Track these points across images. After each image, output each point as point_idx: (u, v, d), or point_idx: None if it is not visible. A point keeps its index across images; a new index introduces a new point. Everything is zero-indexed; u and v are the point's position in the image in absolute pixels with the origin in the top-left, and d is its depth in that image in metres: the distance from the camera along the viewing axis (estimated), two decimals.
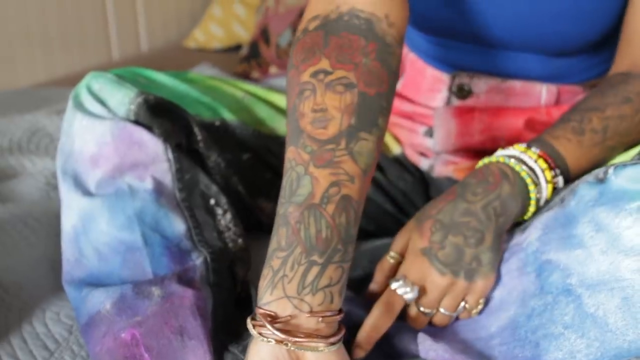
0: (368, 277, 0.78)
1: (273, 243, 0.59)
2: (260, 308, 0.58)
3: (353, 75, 0.63)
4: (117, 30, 2.19)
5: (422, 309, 0.69)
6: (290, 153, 0.62)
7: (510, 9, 0.81)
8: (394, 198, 0.93)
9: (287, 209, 0.59)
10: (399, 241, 0.74)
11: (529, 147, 0.72)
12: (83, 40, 2.10)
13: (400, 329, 0.68)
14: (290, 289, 0.57)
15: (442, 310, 0.69)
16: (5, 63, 1.91)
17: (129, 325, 0.66)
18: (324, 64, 0.63)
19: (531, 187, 0.69)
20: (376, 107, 0.63)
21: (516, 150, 0.71)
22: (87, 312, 0.69)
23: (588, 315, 0.60)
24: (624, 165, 0.61)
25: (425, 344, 0.66)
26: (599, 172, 0.63)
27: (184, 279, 0.70)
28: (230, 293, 0.75)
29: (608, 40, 0.87)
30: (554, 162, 0.71)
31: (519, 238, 0.68)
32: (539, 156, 0.71)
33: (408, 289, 0.68)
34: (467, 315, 0.70)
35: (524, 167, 0.70)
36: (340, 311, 0.59)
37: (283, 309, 0.57)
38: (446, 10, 0.85)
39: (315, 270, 0.58)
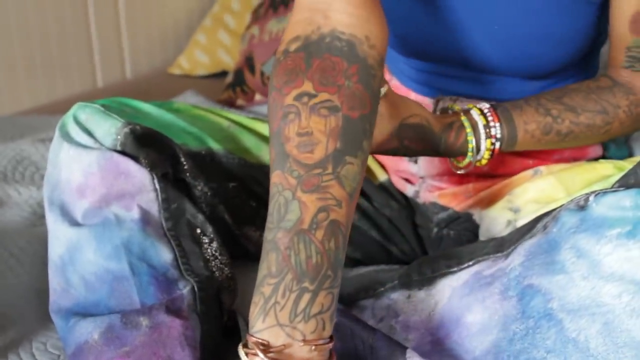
0: (353, 303, 0.79)
1: (263, 269, 0.59)
2: (253, 336, 0.57)
3: (336, 98, 0.63)
4: (102, 57, 2.19)
5: None
6: (276, 177, 0.62)
7: (483, 31, 0.83)
8: (380, 225, 0.94)
9: (276, 235, 0.59)
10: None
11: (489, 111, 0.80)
12: (67, 68, 2.10)
13: (389, 344, 0.68)
14: (282, 317, 0.57)
15: None
16: None
17: (117, 356, 0.66)
18: (307, 86, 0.63)
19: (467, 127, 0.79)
20: (360, 130, 0.63)
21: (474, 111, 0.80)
22: (74, 342, 0.69)
23: (570, 340, 0.61)
24: (604, 192, 0.62)
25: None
26: (580, 199, 0.64)
27: (172, 309, 0.70)
28: (218, 322, 0.75)
29: (584, 62, 0.89)
30: (503, 142, 0.79)
31: (502, 264, 0.69)
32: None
33: None
34: None
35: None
36: (331, 338, 0.59)
37: (276, 337, 0.57)
38: (424, 33, 0.86)
39: (307, 297, 0.57)
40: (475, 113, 0.80)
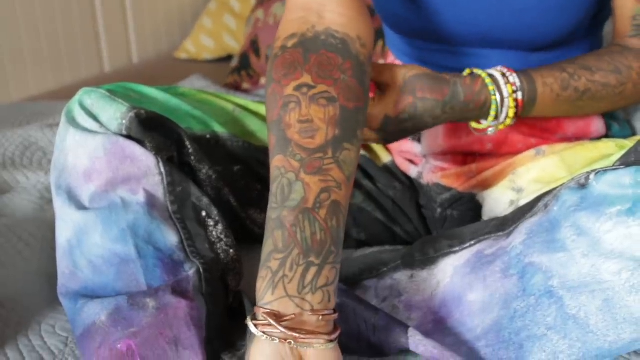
0: (357, 283, 0.79)
1: (268, 245, 0.61)
2: (262, 308, 0.59)
3: (333, 90, 0.67)
4: (108, 42, 2.20)
5: None
6: (278, 161, 0.65)
7: (480, 5, 0.83)
8: (384, 206, 0.95)
9: (281, 213, 0.62)
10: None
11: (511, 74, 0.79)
12: (74, 53, 2.11)
13: (391, 323, 0.69)
14: (291, 289, 0.59)
15: None
16: None
17: (125, 336, 0.67)
18: (306, 78, 0.67)
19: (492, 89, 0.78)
20: (355, 119, 0.67)
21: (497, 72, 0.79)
22: (82, 323, 0.70)
23: (570, 317, 0.62)
24: (604, 170, 0.63)
25: (415, 338, 0.67)
26: (581, 177, 0.64)
27: (178, 290, 0.71)
28: (223, 303, 0.76)
29: (583, 33, 0.89)
30: (524, 93, 0.79)
31: (503, 242, 0.70)
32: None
33: None
34: None
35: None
36: (335, 310, 0.61)
37: (285, 307, 0.59)
38: (419, 11, 0.87)
39: (313, 270, 0.60)
40: (488, 69, 0.80)
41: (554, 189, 0.68)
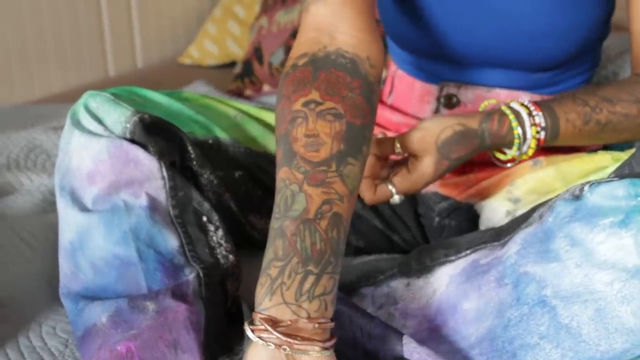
0: (354, 291, 0.80)
1: (269, 253, 0.62)
2: (260, 313, 0.60)
3: (340, 107, 0.68)
4: (113, 46, 2.21)
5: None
6: (283, 173, 0.66)
7: (490, 28, 0.84)
8: (383, 214, 0.96)
9: (283, 223, 0.63)
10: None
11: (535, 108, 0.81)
12: (79, 57, 2.12)
13: (386, 331, 0.70)
14: (288, 296, 0.60)
15: None
16: (2, 79, 1.93)
17: (125, 339, 0.68)
18: (315, 95, 0.68)
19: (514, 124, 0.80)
20: (361, 136, 0.69)
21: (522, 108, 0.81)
22: (83, 325, 0.71)
23: (562, 326, 0.63)
24: (598, 182, 0.63)
25: (409, 346, 0.68)
26: (575, 189, 0.65)
27: (178, 294, 0.72)
28: (222, 307, 0.77)
29: (587, 54, 0.90)
30: (547, 132, 0.81)
31: (498, 252, 0.71)
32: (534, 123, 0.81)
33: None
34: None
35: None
36: (332, 319, 0.62)
37: (282, 314, 0.60)
38: (426, 31, 0.88)
39: (311, 279, 0.61)
40: (515, 104, 0.82)
41: (549, 199, 0.69)
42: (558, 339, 0.63)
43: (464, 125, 0.80)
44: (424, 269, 0.76)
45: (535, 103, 0.81)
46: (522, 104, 0.81)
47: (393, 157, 0.84)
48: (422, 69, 0.95)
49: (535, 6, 0.83)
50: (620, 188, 0.61)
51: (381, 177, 0.83)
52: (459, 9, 0.87)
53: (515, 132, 0.80)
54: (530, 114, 0.81)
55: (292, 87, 0.70)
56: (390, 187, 0.82)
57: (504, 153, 0.84)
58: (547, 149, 0.90)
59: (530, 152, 0.82)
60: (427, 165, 0.80)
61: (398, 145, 0.81)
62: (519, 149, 0.82)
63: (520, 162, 0.86)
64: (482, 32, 0.85)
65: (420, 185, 0.81)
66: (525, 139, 0.81)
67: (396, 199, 0.82)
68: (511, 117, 0.80)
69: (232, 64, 2.16)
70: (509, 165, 0.85)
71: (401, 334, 0.69)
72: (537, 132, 0.81)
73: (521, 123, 0.81)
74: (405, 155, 0.82)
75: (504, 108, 0.81)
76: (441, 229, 0.94)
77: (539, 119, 0.80)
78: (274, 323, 0.59)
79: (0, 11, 1.89)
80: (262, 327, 0.59)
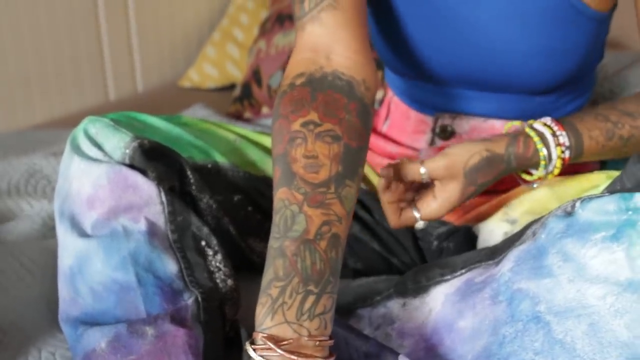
0: (352, 312, 0.81)
1: (269, 273, 0.63)
2: (261, 333, 0.61)
3: (338, 129, 0.69)
4: (113, 71, 2.22)
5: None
6: (282, 194, 0.66)
7: (485, 48, 0.85)
8: (381, 237, 0.96)
9: (283, 243, 0.63)
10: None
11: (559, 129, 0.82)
12: (80, 82, 2.14)
13: (383, 350, 0.70)
14: (290, 315, 0.61)
15: None
16: (3, 104, 1.94)
17: None
18: (313, 116, 0.69)
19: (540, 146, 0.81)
20: (357, 158, 0.70)
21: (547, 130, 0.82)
22: (82, 350, 0.71)
23: (557, 342, 0.63)
24: (590, 198, 0.64)
25: None
26: (567, 205, 0.66)
27: (177, 318, 0.72)
28: (220, 332, 0.77)
29: (582, 78, 0.90)
30: (572, 150, 0.82)
31: (493, 270, 0.71)
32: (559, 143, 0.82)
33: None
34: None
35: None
36: (330, 337, 0.63)
37: (284, 333, 0.61)
38: (403, 50, 0.89)
39: (311, 298, 0.62)
40: (538, 125, 0.83)
41: (542, 217, 0.70)
42: (553, 354, 0.63)
43: (491, 151, 0.81)
44: (420, 288, 0.76)
45: (558, 122, 0.82)
46: (545, 124, 0.82)
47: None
48: (416, 99, 0.95)
49: (529, 28, 0.84)
50: (612, 203, 0.62)
51: (406, 199, 0.84)
52: (431, 26, 0.87)
53: (541, 154, 0.81)
54: (554, 134, 0.82)
55: (291, 107, 0.71)
56: (415, 212, 0.83)
57: (530, 174, 0.85)
58: None
59: (556, 171, 0.83)
60: (453, 191, 0.81)
61: (423, 170, 0.81)
62: (545, 168, 0.83)
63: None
64: (460, 51, 0.86)
65: (446, 211, 0.82)
66: (550, 159, 0.82)
67: (421, 224, 0.84)
68: (536, 139, 0.82)
69: (232, 86, 2.17)
70: (535, 185, 0.86)
71: (397, 354, 0.70)
72: (562, 152, 0.82)
73: (546, 144, 0.82)
74: (430, 180, 0.82)
75: (527, 130, 0.82)
76: (439, 251, 0.94)
77: (563, 138, 0.82)
78: (276, 342, 0.60)
79: (0, 36, 1.90)
80: (266, 346, 0.60)
